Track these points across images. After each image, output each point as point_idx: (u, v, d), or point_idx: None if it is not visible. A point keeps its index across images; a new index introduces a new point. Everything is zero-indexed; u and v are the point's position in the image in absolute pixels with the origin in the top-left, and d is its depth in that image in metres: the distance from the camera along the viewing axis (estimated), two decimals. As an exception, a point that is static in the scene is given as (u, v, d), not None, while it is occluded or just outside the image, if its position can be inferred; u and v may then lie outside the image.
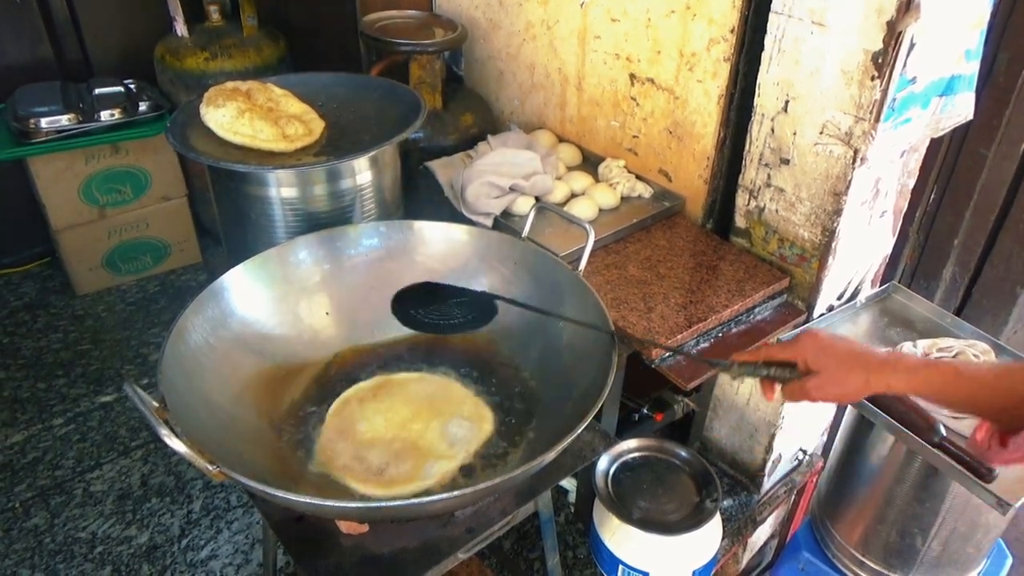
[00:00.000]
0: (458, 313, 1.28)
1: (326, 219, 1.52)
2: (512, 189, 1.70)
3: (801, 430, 1.92)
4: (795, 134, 1.48)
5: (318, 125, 1.62)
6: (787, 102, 1.46)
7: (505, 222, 1.67)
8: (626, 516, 1.53)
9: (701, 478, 1.62)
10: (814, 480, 2.02)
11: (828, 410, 1.98)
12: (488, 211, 1.67)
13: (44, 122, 2.37)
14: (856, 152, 1.39)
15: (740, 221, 1.67)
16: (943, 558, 1.55)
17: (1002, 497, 1.26)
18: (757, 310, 1.57)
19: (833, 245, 1.51)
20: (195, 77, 2.60)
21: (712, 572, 1.64)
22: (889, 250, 1.74)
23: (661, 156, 1.79)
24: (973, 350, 1.49)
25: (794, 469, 2.02)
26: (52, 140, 2.40)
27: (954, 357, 1.48)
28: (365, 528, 1.17)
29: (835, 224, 1.48)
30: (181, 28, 2.62)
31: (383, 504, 1.04)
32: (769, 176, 1.56)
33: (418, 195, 1.86)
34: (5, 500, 2.00)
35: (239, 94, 1.59)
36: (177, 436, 0.94)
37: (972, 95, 1.46)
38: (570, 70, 1.93)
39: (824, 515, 1.75)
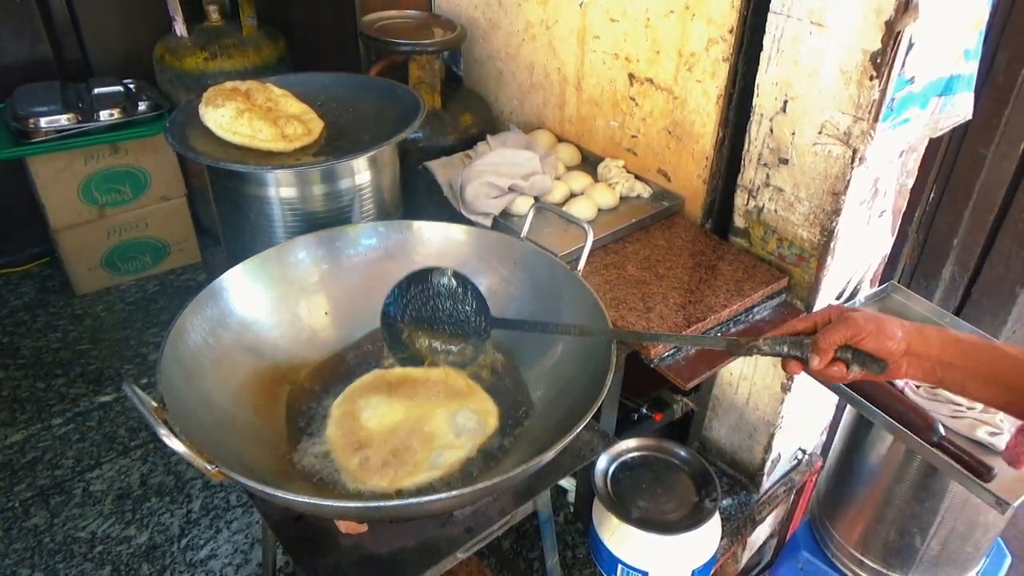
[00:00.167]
0: (448, 334, 1.29)
1: (325, 219, 1.52)
2: (511, 189, 1.70)
3: (800, 430, 1.92)
4: (794, 134, 1.48)
5: (317, 125, 1.62)
6: (786, 102, 1.47)
7: (504, 222, 1.67)
8: (625, 516, 1.53)
9: (700, 478, 1.62)
10: (813, 479, 2.02)
11: (827, 409, 1.98)
12: (487, 211, 1.67)
13: (43, 122, 2.37)
14: (855, 152, 1.39)
15: (739, 221, 1.67)
16: (942, 557, 1.55)
17: (1001, 496, 1.26)
18: (756, 310, 1.57)
19: (832, 245, 1.51)
20: (194, 77, 2.60)
21: (711, 571, 1.64)
22: (888, 250, 1.74)
23: (660, 156, 1.79)
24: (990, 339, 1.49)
25: (793, 468, 2.02)
26: (51, 140, 2.40)
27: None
28: (364, 528, 1.17)
29: (834, 224, 1.49)
30: (180, 28, 2.62)
31: (382, 504, 1.04)
32: (768, 176, 1.56)
33: (417, 195, 1.86)
34: (5, 500, 2.00)
35: (238, 94, 1.59)
36: (176, 436, 0.94)
37: (971, 95, 1.46)
38: (569, 70, 1.93)
39: (823, 514, 1.75)
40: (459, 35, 1.98)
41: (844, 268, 1.62)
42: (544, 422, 1.24)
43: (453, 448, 1.19)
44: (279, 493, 0.94)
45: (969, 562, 1.58)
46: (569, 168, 1.90)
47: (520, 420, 1.27)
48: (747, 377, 1.81)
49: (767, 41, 1.45)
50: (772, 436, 1.81)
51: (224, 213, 1.62)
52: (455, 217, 1.70)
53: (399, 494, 1.13)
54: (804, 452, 2.01)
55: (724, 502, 1.91)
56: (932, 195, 2.16)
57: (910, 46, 1.28)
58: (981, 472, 1.29)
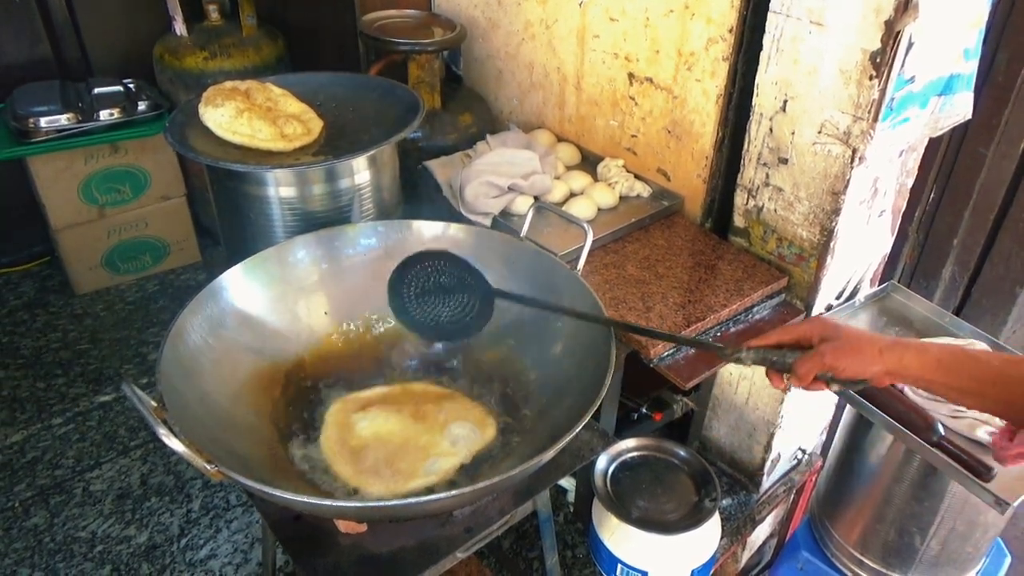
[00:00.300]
0: (452, 313, 1.29)
1: (324, 218, 1.52)
2: (511, 189, 1.70)
3: (800, 429, 1.92)
4: (793, 133, 1.48)
5: (317, 125, 1.62)
6: (785, 101, 1.47)
7: (504, 222, 1.67)
8: (625, 515, 1.53)
9: (700, 477, 1.62)
10: (813, 479, 2.02)
11: (827, 409, 1.98)
12: (487, 211, 1.67)
13: (43, 122, 2.37)
14: (854, 151, 1.39)
15: (739, 220, 1.67)
16: (942, 557, 1.55)
17: (1000, 496, 1.26)
18: (755, 309, 1.57)
19: (831, 244, 1.51)
20: (194, 76, 2.60)
21: (711, 571, 1.64)
22: (888, 249, 1.74)
23: (660, 155, 1.79)
24: (972, 349, 1.49)
25: (793, 468, 2.02)
26: (51, 140, 2.40)
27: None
28: (363, 527, 1.17)
29: (833, 223, 1.49)
30: (180, 27, 2.62)
31: (381, 503, 1.04)
32: (767, 175, 1.56)
33: (417, 195, 1.86)
34: (5, 499, 2.01)
35: (238, 93, 1.59)
36: (175, 435, 0.94)
37: (971, 94, 1.46)
38: (569, 69, 1.93)
39: (823, 514, 1.75)
40: (459, 34, 1.98)
41: (844, 268, 1.62)
42: (543, 421, 1.25)
43: (448, 456, 1.19)
44: (278, 493, 0.94)
45: (969, 562, 1.58)
46: (569, 168, 1.90)
47: (519, 420, 1.27)
48: (747, 377, 1.80)
49: (767, 40, 1.45)
50: (772, 436, 1.81)
51: (224, 213, 1.62)
52: (455, 217, 1.70)
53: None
54: (804, 452, 2.01)
55: (724, 502, 1.90)
56: (932, 195, 2.16)
57: (910, 45, 1.28)
58: (981, 472, 1.29)
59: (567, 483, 1.94)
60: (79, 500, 2.02)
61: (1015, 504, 1.26)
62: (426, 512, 1.14)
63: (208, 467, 0.94)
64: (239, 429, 1.18)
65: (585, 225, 1.40)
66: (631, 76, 1.76)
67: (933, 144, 1.75)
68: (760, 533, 2.07)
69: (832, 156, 1.43)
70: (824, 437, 2.06)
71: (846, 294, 1.69)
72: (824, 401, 1.93)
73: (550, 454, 1.02)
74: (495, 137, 1.90)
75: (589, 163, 1.92)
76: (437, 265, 1.29)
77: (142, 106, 2.53)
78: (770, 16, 1.42)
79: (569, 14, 1.85)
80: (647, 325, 1.42)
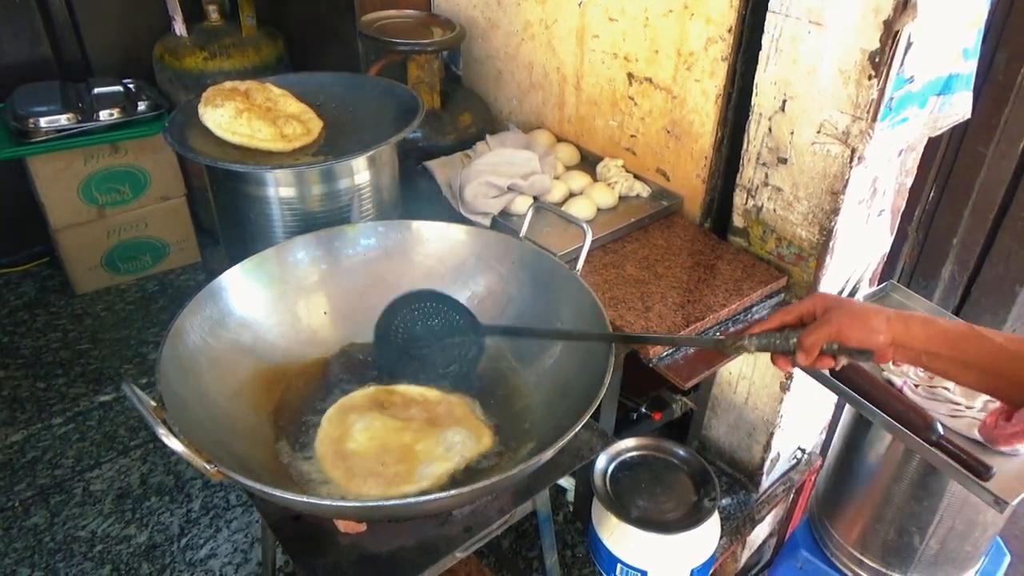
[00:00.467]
0: (445, 359, 1.30)
1: (324, 219, 1.52)
2: (510, 189, 1.70)
3: (799, 429, 1.92)
4: (792, 133, 1.48)
5: (316, 125, 1.62)
6: (784, 101, 1.47)
7: (503, 222, 1.67)
8: (624, 515, 1.53)
9: (699, 477, 1.62)
10: (812, 479, 2.02)
11: (826, 408, 1.98)
12: (486, 211, 1.67)
13: (43, 122, 2.37)
14: (853, 151, 1.39)
15: (738, 220, 1.68)
16: (941, 556, 1.55)
17: (999, 495, 1.26)
18: (755, 309, 1.57)
19: (831, 244, 1.51)
20: (194, 77, 2.60)
21: (710, 571, 1.64)
22: (887, 249, 1.74)
23: (659, 155, 1.79)
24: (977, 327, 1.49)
25: (792, 468, 2.02)
26: (51, 140, 2.39)
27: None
28: (363, 527, 1.17)
29: (833, 223, 1.49)
30: (180, 28, 2.62)
31: (381, 503, 1.04)
32: (767, 175, 1.57)
33: (416, 195, 1.86)
34: (5, 499, 2.01)
35: (237, 94, 1.59)
36: (175, 435, 0.94)
37: (970, 94, 1.46)
38: (568, 69, 1.93)
39: (822, 514, 1.76)
40: (458, 35, 1.98)
41: (843, 267, 1.62)
42: (543, 421, 1.25)
43: (441, 461, 1.19)
44: (278, 492, 0.94)
45: (968, 561, 1.58)
46: (568, 168, 1.90)
47: (518, 420, 1.27)
48: (746, 376, 1.81)
49: (766, 40, 1.45)
50: (771, 435, 1.81)
51: (223, 213, 1.62)
52: (454, 217, 1.70)
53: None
54: (803, 451, 2.01)
55: (723, 501, 1.91)
56: (931, 194, 2.16)
57: (909, 45, 1.28)
58: (980, 471, 1.28)
59: (566, 483, 1.94)
60: (79, 500, 2.02)
61: (1014, 503, 1.27)
62: (426, 512, 1.14)
63: (208, 467, 0.94)
64: (239, 429, 1.18)
65: (584, 225, 1.40)
66: (630, 76, 1.77)
67: (932, 143, 1.75)
68: (759, 532, 2.07)
69: (831, 156, 1.43)
70: (823, 436, 2.06)
71: (845, 293, 1.69)
72: (823, 400, 1.93)
73: (549, 453, 1.02)
74: (494, 137, 1.90)
75: (588, 163, 1.92)
76: (423, 308, 1.30)
77: (142, 106, 2.53)
78: (769, 16, 1.42)
79: (568, 14, 1.85)
80: (646, 325, 1.42)
